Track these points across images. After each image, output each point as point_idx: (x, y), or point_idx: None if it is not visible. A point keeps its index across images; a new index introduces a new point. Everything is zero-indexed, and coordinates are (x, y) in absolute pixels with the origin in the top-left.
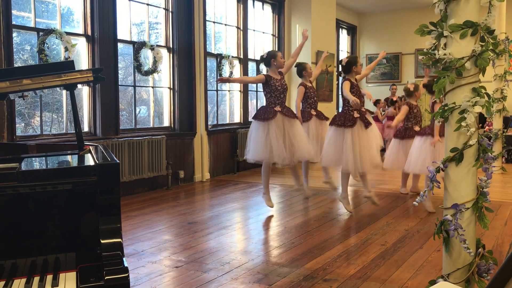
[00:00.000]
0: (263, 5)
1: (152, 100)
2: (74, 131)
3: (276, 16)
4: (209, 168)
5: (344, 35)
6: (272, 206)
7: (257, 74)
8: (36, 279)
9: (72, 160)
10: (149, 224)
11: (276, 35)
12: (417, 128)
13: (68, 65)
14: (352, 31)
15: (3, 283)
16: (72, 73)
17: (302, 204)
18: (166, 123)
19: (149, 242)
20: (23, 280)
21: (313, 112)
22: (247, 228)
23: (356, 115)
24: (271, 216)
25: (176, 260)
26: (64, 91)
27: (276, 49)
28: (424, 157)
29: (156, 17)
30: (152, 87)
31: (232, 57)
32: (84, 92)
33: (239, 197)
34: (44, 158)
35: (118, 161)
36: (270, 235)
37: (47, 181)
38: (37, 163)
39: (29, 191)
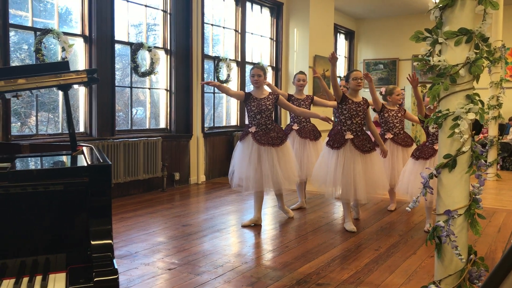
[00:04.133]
0: (261, 8)
1: (149, 102)
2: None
3: (274, 19)
4: (204, 170)
5: (342, 40)
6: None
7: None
8: (25, 280)
9: (64, 160)
10: (143, 226)
11: (274, 39)
12: (389, 135)
13: (63, 66)
14: (350, 36)
15: None
16: (67, 73)
17: (296, 209)
18: (162, 124)
19: (142, 244)
20: (12, 281)
21: (295, 127)
22: (242, 231)
23: (348, 136)
24: (265, 220)
25: (169, 263)
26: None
27: (274, 53)
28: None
29: (154, 19)
30: (149, 88)
31: (230, 60)
32: (80, 93)
33: (234, 200)
34: (36, 158)
35: (110, 163)
36: (264, 239)
37: (38, 181)
38: (30, 163)
39: (19, 191)
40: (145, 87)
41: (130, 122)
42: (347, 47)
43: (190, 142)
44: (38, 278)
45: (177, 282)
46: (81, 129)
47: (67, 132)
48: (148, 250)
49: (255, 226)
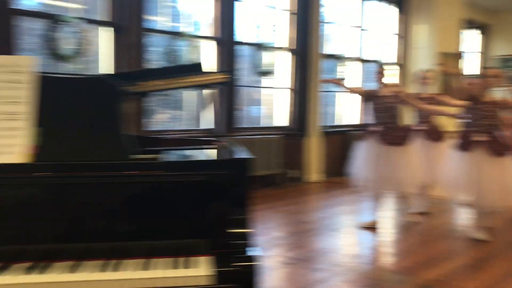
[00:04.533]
0: (384, 4)
1: (268, 101)
2: (197, 128)
3: (398, 15)
4: (321, 169)
5: (473, 35)
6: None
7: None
8: (171, 260)
9: (205, 154)
10: (262, 220)
11: (398, 35)
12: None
13: (197, 67)
14: (483, 30)
15: (143, 260)
16: (207, 74)
17: (420, 213)
18: (280, 123)
19: (261, 238)
20: (162, 260)
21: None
22: (360, 232)
23: (479, 138)
24: (386, 223)
25: (288, 257)
26: (193, 91)
27: (397, 50)
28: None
29: (274, 19)
30: (269, 87)
31: (348, 57)
32: (204, 92)
33: (351, 200)
34: (179, 151)
35: (251, 157)
36: (384, 242)
37: (183, 172)
38: (174, 156)
39: (166, 180)
40: (265, 86)
41: (250, 120)
42: (481, 42)
43: (307, 140)
44: (182, 260)
45: (296, 277)
46: (204, 126)
47: (195, 128)
48: (267, 243)
49: (374, 228)
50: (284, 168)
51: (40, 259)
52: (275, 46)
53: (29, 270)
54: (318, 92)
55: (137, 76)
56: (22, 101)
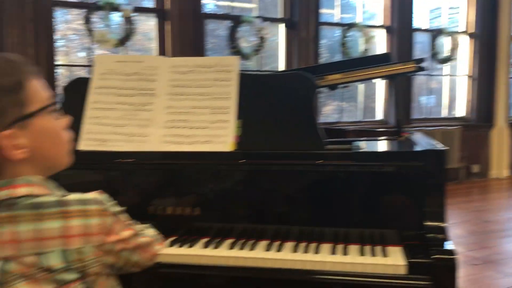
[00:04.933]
0: None
1: (446, 89)
2: (366, 120)
3: None
4: (509, 164)
5: None
6: None
7: None
8: (368, 247)
9: (394, 144)
10: None
11: None
12: None
13: (385, 57)
14: None
15: (332, 245)
16: (395, 64)
17: None
18: (460, 113)
19: None
20: (357, 247)
21: None
22: None
23: None
24: None
25: (472, 257)
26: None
27: None
28: None
29: (455, 2)
30: (448, 75)
31: None
32: (379, 82)
33: None
34: (367, 142)
35: (445, 148)
36: None
37: (375, 162)
38: (364, 146)
39: (359, 170)
40: (443, 74)
41: (425, 110)
42: None
43: (492, 132)
44: (377, 248)
45: (483, 279)
46: (379, 117)
47: (365, 120)
48: None
49: None
50: (465, 162)
51: (241, 237)
52: (454, 30)
53: (232, 245)
54: (507, 80)
55: (324, 70)
56: (230, 96)
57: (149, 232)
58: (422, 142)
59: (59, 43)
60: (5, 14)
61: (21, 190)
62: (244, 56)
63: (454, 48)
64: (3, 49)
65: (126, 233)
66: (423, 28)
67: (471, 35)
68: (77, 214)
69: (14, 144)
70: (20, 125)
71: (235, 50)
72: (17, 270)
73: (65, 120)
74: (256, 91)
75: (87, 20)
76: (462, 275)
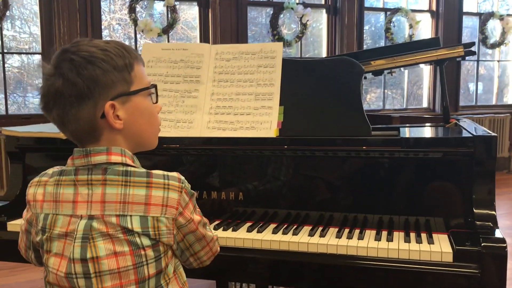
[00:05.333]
0: None
1: (497, 75)
2: (410, 107)
3: None
4: None
5: None
6: None
7: None
8: (413, 234)
9: (442, 131)
10: None
11: None
12: None
13: (434, 42)
14: None
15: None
16: (442, 49)
17: None
18: (511, 100)
19: None
20: (402, 234)
21: None
22: None
23: None
24: None
25: None
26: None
27: None
28: None
29: None
30: (498, 61)
31: None
32: (425, 69)
33: None
34: (415, 128)
35: (495, 134)
36: None
37: (422, 148)
38: (412, 132)
39: (407, 156)
40: (493, 59)
41: (474, 97)
42: None
43: None
44: (424, 235)
45: None
46: (425, 104)
47: (410, 107)
48: None
49: None
50: None
51: (284, 222)
52: (505, 13)
53: (275, 230)
54: None
55: (369, 55)
56: (274, 83)
57: (211, 230)
58: (470, 128)
59: (105, 33)
60: (54, 4)
61: (116, 158)
62: (286, 43)
63: (505, 32)
64: (52, 38)
65: (197, 217)
66: (471, 11)
67: None
68: (160, 186)
69: (115, 114)
70: (123, 99)
71: (277, 37)
72: (100, 228)
73: (159, 106)
74: (301, 77)
75: (132, 10)
76: (509, 267)
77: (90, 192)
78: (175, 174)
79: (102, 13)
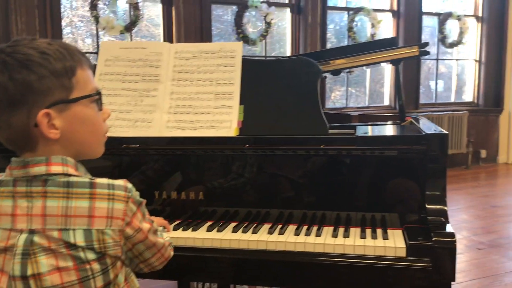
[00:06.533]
0: None
1: (455, 74)
2: (373, 105)
3: None
4: None
5: None
6: None
7: None
8: (368, 230)
9: (397, 129)
10: (448, 201)
11: None
12: None
13: (392, 42)
14: None
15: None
16: (399, 49)
17: None
18: (468, 98)
19: None
20: (358, 230)
21: None
22: None
23: None
24: None
25: (477, 242)
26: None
27: None
28: None
29: None
30: (456, 60)
31: None
32: (387, 68)
33: None
34: (372, 126)
35: (446, 132)
36: None
37: (377, 146)
38: (368, 131)
39: (361, 154)
40: (451, 58)
41: (434, 95)
42: None
43: (501, 118)
44: (379, 231)
45: (487, 263)
46: (386, 102)
47: (372, 105)
48: (453, 226)
49: None
50: (473, 148)
51: (244, 221)
52: (462, 14)
53: (235, 228)
54: None
55: (329, 55)
56: (234, 82)
57: (164, 235)
58: (424, 126)
59: (65, 30)
60: (11, 1)
61: (57, 168)
62: (251, 42)
63: (462, 32)
64: (9, 36)
65: (146, 226)
66: (431, 11)
67: (479, 19)
68: (104, 197)
69: (50, 123)
70: (61, 107)
71: (242, 36)
72: (42, 243)
73: (106, 113)
74: (260, 77)
75: (93, 7)
76: (466, 259)
77: (30, 205)
78: (121, 182)
79: (63, 9)
